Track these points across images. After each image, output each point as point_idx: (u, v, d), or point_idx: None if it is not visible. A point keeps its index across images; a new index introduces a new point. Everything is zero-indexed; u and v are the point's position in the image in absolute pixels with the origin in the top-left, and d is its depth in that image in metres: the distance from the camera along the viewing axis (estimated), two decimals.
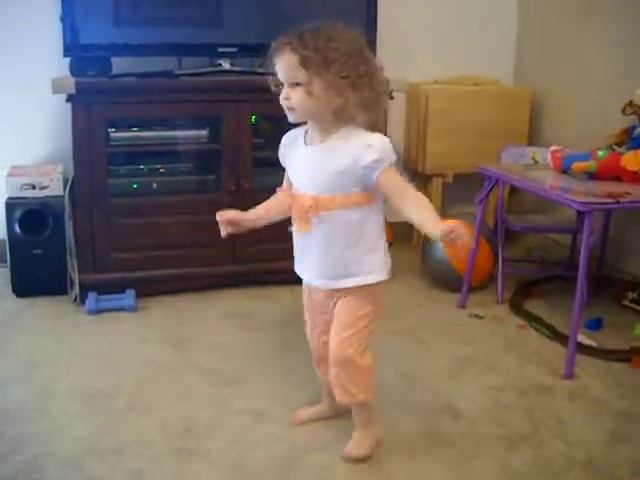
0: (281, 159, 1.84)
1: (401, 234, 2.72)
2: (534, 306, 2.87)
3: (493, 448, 1.90)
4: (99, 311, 2.74)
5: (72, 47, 2.82)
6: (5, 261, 2.95)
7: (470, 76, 3.56)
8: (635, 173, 2.43)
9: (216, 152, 2.93)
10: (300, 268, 1.84)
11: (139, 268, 2.87)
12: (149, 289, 2.88)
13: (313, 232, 1.71)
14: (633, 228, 3.03)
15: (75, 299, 2.83)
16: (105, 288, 2.81)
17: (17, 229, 2.84)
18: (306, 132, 1.75)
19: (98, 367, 2.33)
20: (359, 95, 1.61)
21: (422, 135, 3.48)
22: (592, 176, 2.50)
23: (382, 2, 3.11)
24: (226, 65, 2.98)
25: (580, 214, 2.74)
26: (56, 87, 2.68)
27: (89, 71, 2.80)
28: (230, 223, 1.81)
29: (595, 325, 2.65)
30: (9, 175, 2.91)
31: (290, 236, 1.81)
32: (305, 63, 1.57)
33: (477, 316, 2.78)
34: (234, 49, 2.97)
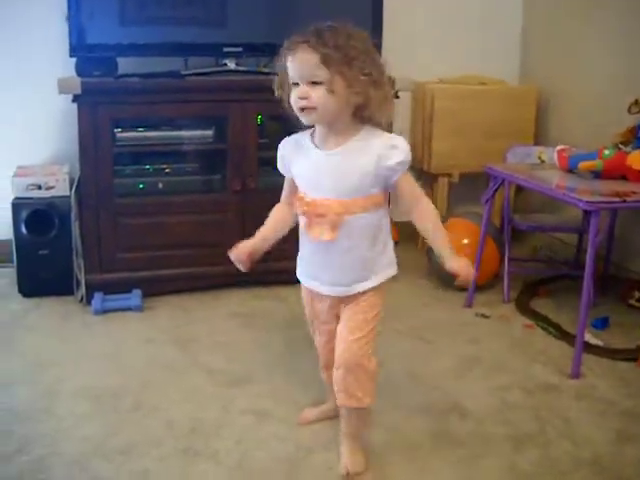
0: (283, 167, 1.77)
1: (407, 234, 2.71)
2: (540, 305, 2.86)
3: (500, 448, 1.90)
4: (105, 311, 2.74)
5: (78, 47, 2.82)
6: (11, 261, 2.96)
7: (475, 75, 3.55)
8: None
9: (222, 152, 2.93)
10: (308, 276, 1.78)
11: (145, 268, 2.88)
12: (155, 289, 2.89)
13: (337, 238, 1.66)
14: (639, 227, 3.02)
15: (81, 299, 2.84)
16: (111, 288, 2.81)
17: (23, 229, 2.84)
18: (312, 136, 1.70)
19: (104, 367, 2.33)
20: (380, 93, 1.59)
21: (427, 134, 3.48)
22: (598, 175, 2.50)
23: (388, 1, 3.11)
24: (232, 65, 2.98)
25: (586, 213, 2.74)
26: (62, 87, 2.69)
27: (95, 71, 2.81)
28: (249, 256, 1.76)
29: (601, 324, 2.65)
30: (15, 175, 2.92)
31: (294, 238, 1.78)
32: (326, 61, 1.53)
33: (483, 315, 2.77)
34: (240, 49, 2.97)
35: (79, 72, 2.82)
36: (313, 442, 1.90)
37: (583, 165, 2.52)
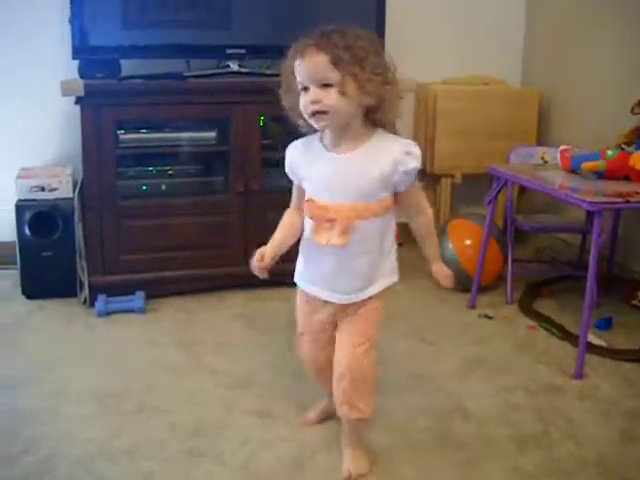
0: (292, 172, 1.73)
1: (410, 235, 2.71)
2: (544, 306, 2.86)
3: (503, 449, 1.90)
4: (109, 313, 2.75)
5: (81, 50, 2.83)
6: (15, 263, 2.96)
7: (478, 76, 3.56)
8: None
9: (224, 154, 2.93)
10: (309, 282, 1.76)
11: (148, 270, 2.88)
12: (158, 291, 2.89)
13: (349, 243, 1.63)
14: None
15: (85, 301, 2.84)
16: (114, 290, 2.82)
17: (27, 231, 2.85)
18: (321, 139, 1.66)
19: (108, 369, 2.33)
20: (393, 93, 1.59)
21: (430, 135, 3.48)
22: (601, 176, 2.50)
23: (391, 1, 3.12)
24: (234, 67, 2.98)
25: (589, 214, 2.74)
26: (65, 89, 2.70)
27: (98, 73, 2.81)
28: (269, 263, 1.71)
29: (605, 325, 2.65)
30: (18, 177, 2.92)
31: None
32: (337, 62, 1.50)
33: (487, 316, 2.77)
34: (242, 51, 2.97)
35: (82, 74, 2.82)
36: (317, 443, 1.91)
37: (586, 165, 2.52)
